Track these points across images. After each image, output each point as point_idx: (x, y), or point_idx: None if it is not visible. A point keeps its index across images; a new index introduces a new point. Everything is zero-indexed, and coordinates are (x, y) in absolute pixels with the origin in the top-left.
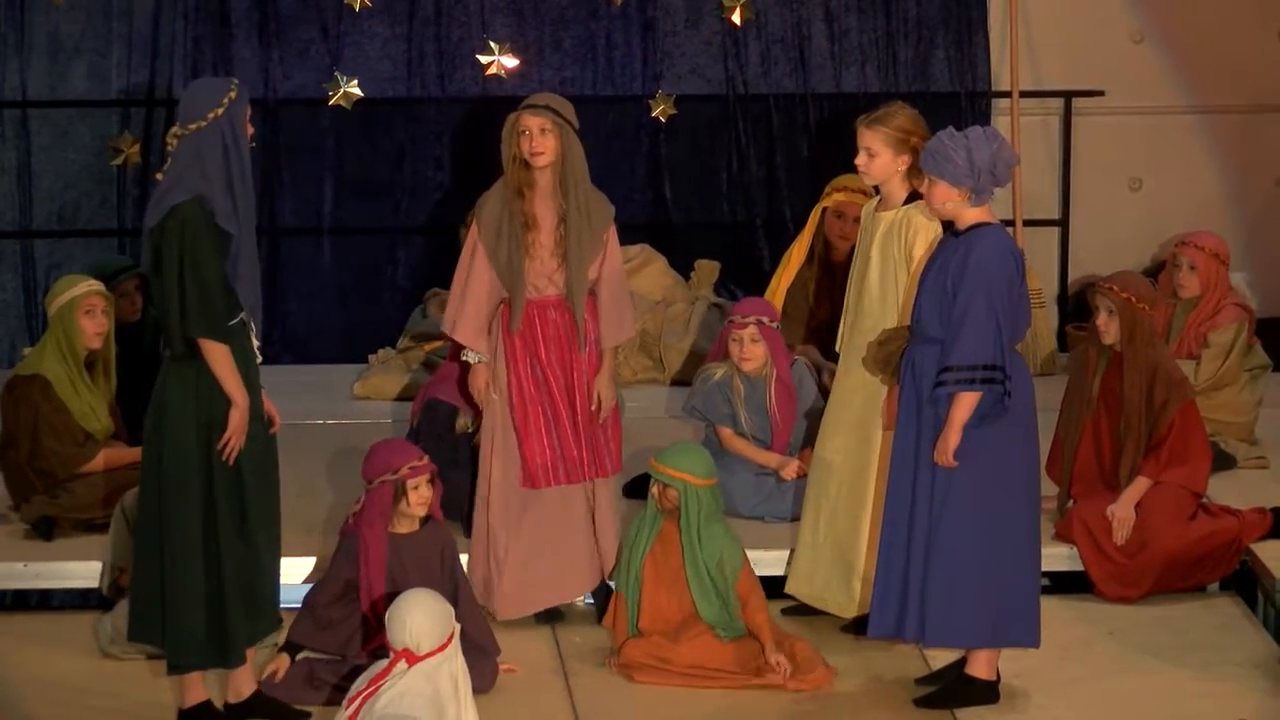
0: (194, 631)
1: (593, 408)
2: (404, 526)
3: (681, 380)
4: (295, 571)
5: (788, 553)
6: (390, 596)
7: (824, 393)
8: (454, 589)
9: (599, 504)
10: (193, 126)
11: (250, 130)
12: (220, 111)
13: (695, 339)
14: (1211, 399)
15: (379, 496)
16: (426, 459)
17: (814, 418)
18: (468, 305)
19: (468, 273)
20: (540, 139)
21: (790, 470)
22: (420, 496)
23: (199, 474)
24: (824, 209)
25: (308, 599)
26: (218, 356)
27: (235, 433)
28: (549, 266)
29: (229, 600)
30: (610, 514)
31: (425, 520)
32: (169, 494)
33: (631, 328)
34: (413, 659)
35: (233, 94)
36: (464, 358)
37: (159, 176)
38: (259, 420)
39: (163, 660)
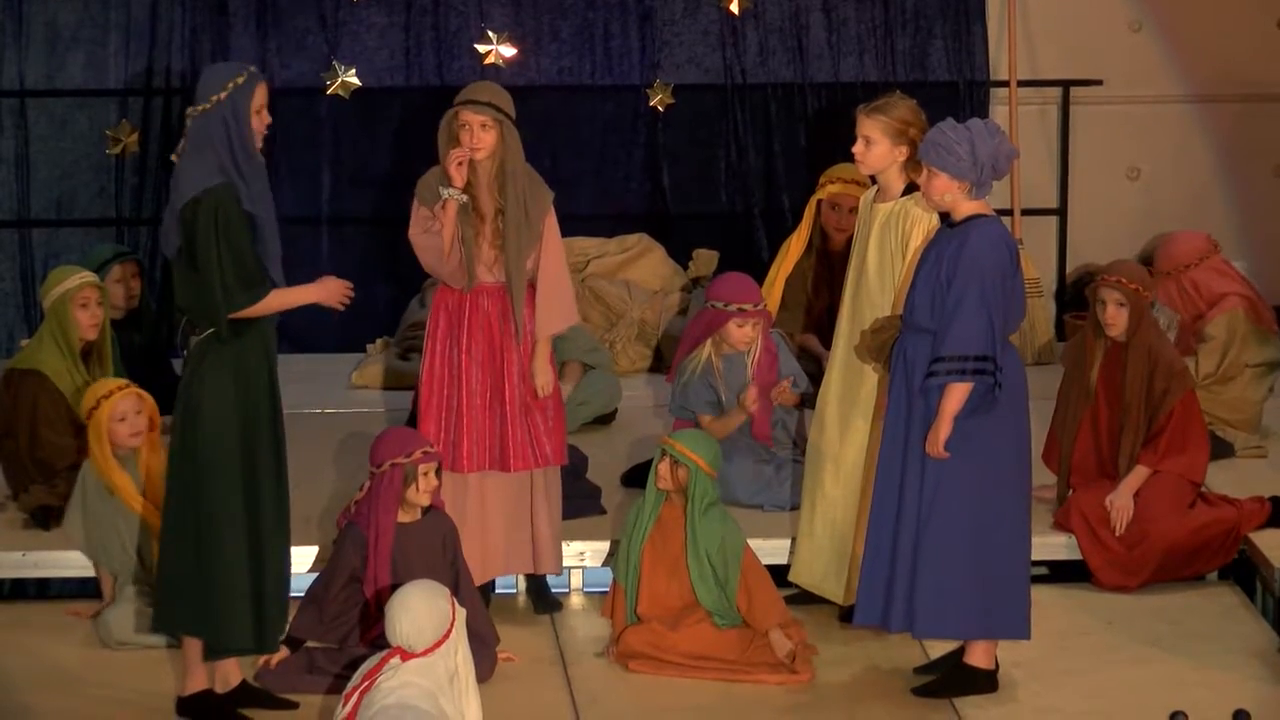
0: (241, 616)
1: (539, 394)
2: (406, 516)
3: None
4: (296, 561)
5: (787, 542)
6: (395, 587)
7: (814, 382)
8: (455, 578)
9: (536, 494)
10: (199, 109)
11: (267, 119)
12: (223, 95)
13: None
14: (1217, 395)
15: (389, 481)
16: (436, 448)
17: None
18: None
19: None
20: (480, 134)
21: (750, 399)
22: (428, 483)
23: (240, 458)
24: (819, 200)
25: (312, 592)
26: (266, 305)
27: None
28: (487, 256)
29: (269, 585)
30: (547, 504)
31: (426, 511)
32: (209, 480)
33: (571, 316)
34: (406, 657)
35: (239, 80)
36: (447, 194)
37: (174, 158)
38: (277, 417)
39: (177, 649)
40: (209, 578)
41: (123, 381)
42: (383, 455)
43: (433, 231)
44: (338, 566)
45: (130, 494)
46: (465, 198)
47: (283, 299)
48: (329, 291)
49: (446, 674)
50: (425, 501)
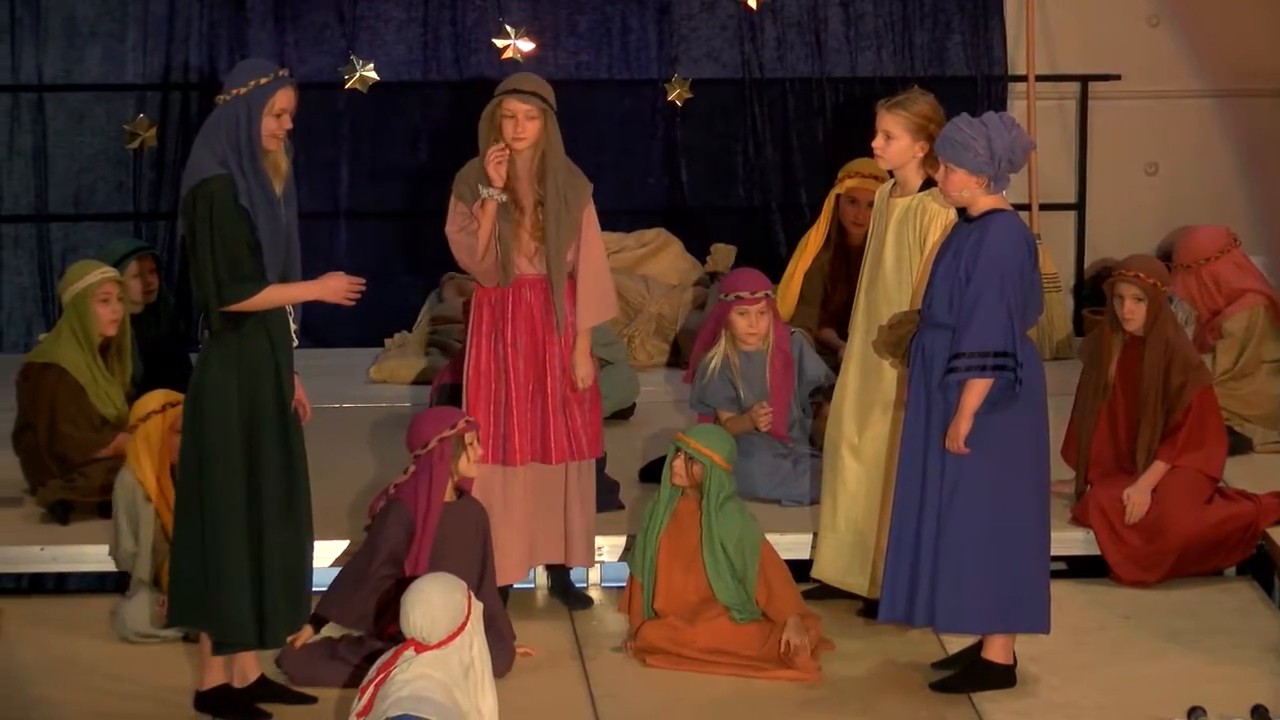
0: (240, 611)
1: (578, 385)
2: (448, 495)
3: None
4: (315, 557)
5: (808, 536)
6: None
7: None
8: (482, 568)
9: (570, 485)
10: (220, 99)
11: (287, 124)
12: (243, 91)
13: None
14: (1234, 390)
15: (440, 456)
16: (474, 419)
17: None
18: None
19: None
20: (525, 124)
21: (763, 419)
22: (476, 453)
23: (242, 452)
24: (837, 195)
25: (347, 571)
26: (264, 299)
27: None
28: (528, 247)
29: (269, 580)
30: (581, 497)
31: (459, 495)
32: (212, 472)
33: (610, 309)
34: (421, 649)
35: (263, 80)
36: (486, 194)
37: None
38: (285, 411)
39: (193, 643)
40: (211, 571)
41: (180, 395)
42: (427, 434)
43: (470, 230)
44: (377, 545)
45: (165, 510)
46: (504, 197)
47: (279, 295)
48: (331, 289)
49: (461, 667)
50: (473, 473)
